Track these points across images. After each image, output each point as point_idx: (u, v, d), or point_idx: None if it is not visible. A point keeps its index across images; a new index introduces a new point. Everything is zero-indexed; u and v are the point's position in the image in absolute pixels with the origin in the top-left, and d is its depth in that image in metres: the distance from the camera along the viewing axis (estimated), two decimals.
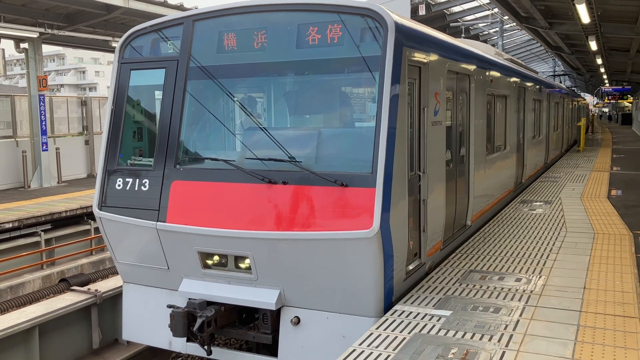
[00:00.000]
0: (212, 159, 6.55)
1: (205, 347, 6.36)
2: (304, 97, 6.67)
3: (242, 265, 6.27)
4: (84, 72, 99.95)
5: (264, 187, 6.00)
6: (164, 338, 6.93)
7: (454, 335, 5.16)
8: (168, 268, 6.72)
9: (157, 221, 6.47)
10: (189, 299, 6.39)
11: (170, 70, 6.72)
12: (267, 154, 6.16)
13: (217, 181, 6.29)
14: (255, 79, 6.76)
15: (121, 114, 7.02)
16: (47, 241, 13.94)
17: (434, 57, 6.96)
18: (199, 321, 6.14)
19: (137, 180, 6.73)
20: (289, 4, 6.25)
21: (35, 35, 17.98)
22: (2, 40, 18.33)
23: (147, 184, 6.65)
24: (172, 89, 6.66)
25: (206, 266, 6.45)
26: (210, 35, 6.58)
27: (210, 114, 6.86)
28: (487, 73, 9.84)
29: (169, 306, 6.32)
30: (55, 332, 8.06)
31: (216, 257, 6.40)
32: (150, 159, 6.78)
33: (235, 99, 6.85)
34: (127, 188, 6.77)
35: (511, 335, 5.14)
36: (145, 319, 7.10)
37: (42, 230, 13.81)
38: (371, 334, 5.27)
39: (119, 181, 6.85)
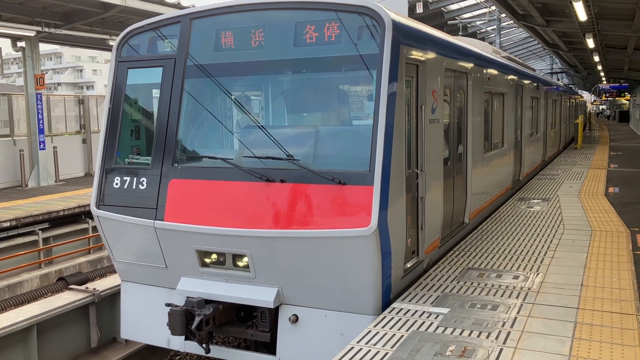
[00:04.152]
0: (209, 157, 6.55)
1: (204, 345, 6.37)
2: (302, 95, 6.67)
3: (240, 264, 6.27)
4: (81, 70, 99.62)
5: (262, 186, 6.00)
6: (162, 336, 6.93)
7: (451, 333, 5.17)
8: (166, 266, 6.72)
9: (155, 220, 6.47)
10: (187, 297, 6.38)
11: (167, 69, 6.71)
12: (264, 152, 6.16)
13: (214, 179, 6.28)
14: (252, 77, 6.76)
15: (119, 112, 7.02)
16: (45, 240, 13.94)
17: (431, 55, 6.96)
18: (197, 319, 6.15)
19: (135, 178, 6.72)
20: (287, 2, 6.24)
21: (32, 34, 17.94)
22: None
23: (144, 183, 6.65)
24: (170, 88, 6.65)
25: (204, 264, 6.45)
26: (207, 33, 6.57)
27: (208, 112, 6.85)
28: (484, 71, 9.84)
29: (167, 304, 6.31)
30: (53, 330, 8.06)
31: (214, 256, 6.40)
32: (148, 158, 6.78)
33: (232, 97, 6.84)
34: (125, 187, 6.77)
35: (509, 333, 5.15)
36: (144, 318, 7.10)
37: (39, 229, 13.80)
38: (369, 331, 5.28)
39: (117, 180, 6.85)
